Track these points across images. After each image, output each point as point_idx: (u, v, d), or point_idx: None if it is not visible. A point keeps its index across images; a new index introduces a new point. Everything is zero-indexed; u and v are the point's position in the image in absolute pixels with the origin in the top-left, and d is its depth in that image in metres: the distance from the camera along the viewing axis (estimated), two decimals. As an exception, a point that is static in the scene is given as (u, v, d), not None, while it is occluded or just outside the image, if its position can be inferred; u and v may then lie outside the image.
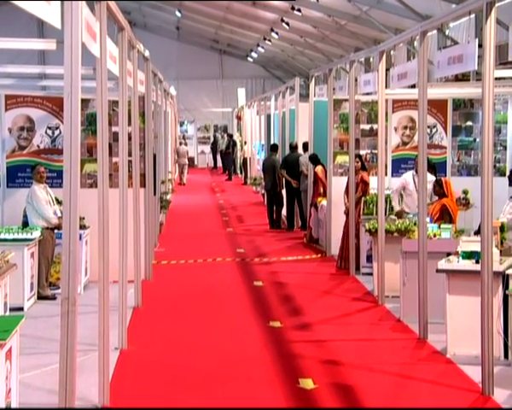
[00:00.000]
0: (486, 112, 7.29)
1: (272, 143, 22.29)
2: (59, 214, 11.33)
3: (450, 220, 10.87)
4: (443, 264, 8.58)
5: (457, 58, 8.23)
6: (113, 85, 10.01)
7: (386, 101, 13.50)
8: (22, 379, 7.02)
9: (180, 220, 21.32)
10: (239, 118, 40.18)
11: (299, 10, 26.71)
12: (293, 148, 18.47)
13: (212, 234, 18.77)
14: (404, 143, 15.19)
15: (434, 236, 9.95)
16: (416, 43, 20.62)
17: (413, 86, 13.33)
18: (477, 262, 8.13)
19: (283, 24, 29.52)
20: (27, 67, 17.35)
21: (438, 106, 15.00)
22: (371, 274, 11.92)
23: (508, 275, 8.06)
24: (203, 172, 41.14)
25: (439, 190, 11.23)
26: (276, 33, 32.66)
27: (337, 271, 13.57)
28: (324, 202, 15.41)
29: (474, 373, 7.73)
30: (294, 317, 10.56)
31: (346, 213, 13.57)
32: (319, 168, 16.20)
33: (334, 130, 14.88)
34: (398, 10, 21.85)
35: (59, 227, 11.28)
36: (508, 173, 14.70)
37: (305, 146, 17.78)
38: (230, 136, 39.86)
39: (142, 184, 11.81)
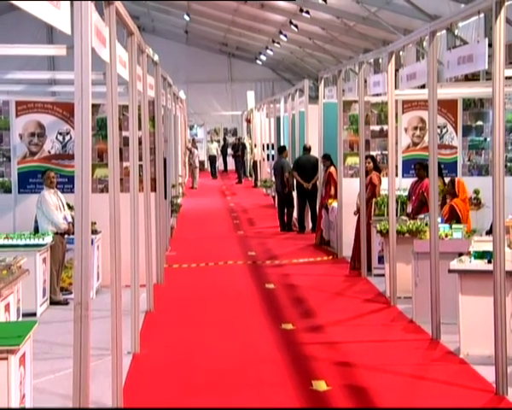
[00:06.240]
0: (497, 111, 7.27)
1: (280, 145, 22.27)
2: (70, 220, 11.35)
3: (458, 221, 10.85)
4: (455, 264, 8.56)
5: (467, 58, 8.21)
6: (122, 90, 10.01)
7: (396, 101, 13.47)
8: (36, 385, 7.04)
9: (191, 224, 21.33)
10: (248, 121, 40.19)
11: (307, 12, 26.69)
12: (307, 150, 18.34)
13: (223, 237, 18.77)
14: (415, 144, 15.17)
15: (446, 236, 9.93)
16: (425, 44, 20.58)
17: (423, 87, 13.30)
18: (489, 262, 8.10)
19: (292, 26, 29.48)
20: (37, 73, 17.29)
21: (448, 106, 14.96)
22: (383, 275, 11.89)
23: (520, 274, 8.04)
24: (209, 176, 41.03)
25: (451, 189, 11.22)
26: (285, 36, 32.64)
27: (349, 272, 13.54)
28: (335, 204, 15.36)
29: (488, 373, 7.70)
30: (306, 319, 10.55)
31: (357, 213, 13.55)
32: (333, 169, 15.84)
33: (344, 131, 14.85)
34: (407, 11, 21.80)
35: (68, 232, 11.31)
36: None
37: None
38: (239, 138, 39.98)
39: (153, 189, 11.81)
